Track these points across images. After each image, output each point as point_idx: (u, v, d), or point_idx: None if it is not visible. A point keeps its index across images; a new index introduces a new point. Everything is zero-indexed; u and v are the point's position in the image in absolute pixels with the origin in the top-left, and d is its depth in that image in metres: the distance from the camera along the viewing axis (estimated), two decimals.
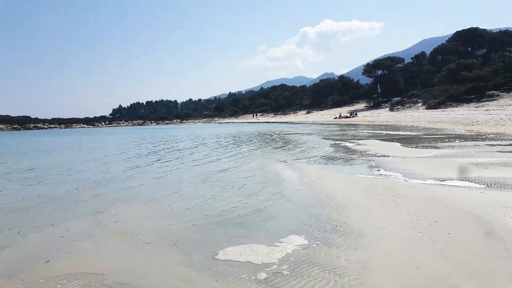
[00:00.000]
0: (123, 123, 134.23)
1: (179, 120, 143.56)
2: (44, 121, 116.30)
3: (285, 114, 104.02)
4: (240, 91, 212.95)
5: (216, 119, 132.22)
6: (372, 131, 25.44)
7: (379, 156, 11.33)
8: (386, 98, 75.42)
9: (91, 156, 16.59)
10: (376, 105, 74.95)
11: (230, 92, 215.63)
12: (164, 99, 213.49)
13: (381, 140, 17.44)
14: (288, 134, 28.33)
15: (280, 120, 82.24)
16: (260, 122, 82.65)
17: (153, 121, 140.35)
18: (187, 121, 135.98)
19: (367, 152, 12.50)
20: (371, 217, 4.93)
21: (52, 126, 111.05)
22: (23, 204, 6.66)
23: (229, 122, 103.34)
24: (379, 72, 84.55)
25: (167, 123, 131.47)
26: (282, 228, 4.69)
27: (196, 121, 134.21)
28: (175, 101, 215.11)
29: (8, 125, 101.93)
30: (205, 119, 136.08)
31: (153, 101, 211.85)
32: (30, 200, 7.00)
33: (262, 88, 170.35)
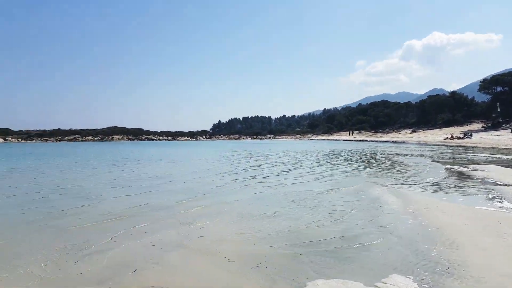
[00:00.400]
0: (221, 137, 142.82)
1: (272, 135, 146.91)
2: (154, 133, 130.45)
3: (386, 132, 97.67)
4: (335, 108, 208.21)
5: (310, 135, 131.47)
6: (492, 155, 21.91)
7: (501, 184, 9.61)
8: (508, 118, 65.19)
9: (193, 168, 17.50)
10: (495, 126, 65.22)
11: (325, 108, 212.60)
12: (259, 115, 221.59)
13: (502, 166, 14.83)
14: (392, 154, 26.11)
15: (380, 139, 77.28)
16: (357, 140, 79.04)
17: (248, 136, 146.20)
18: (280, 137, 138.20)
19: (486, 179, 10.73)
20: (494, 260, 4.01)
21: (160, 138, 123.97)
22: (126, 212, 7.11)
23: (323, 139, 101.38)
24: (499, 88, 73.56)
25: (261, 138, 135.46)
26: (382, 264, 4.04)
27: (289, 137, 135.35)
28: (269, 117, 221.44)
29: (124, 135, 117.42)
30: (298, 136, 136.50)
31: (249, 117, 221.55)
32: (132, 208, 7.46)
33: (360, 104, 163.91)
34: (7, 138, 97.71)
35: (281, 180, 11.80)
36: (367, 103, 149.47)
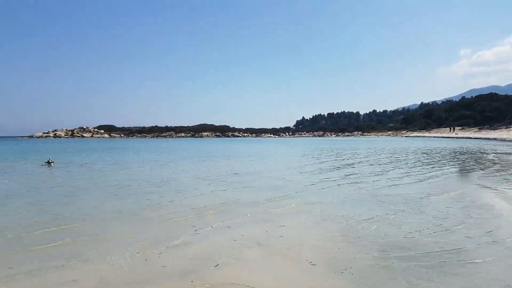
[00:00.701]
0: (304, 134, 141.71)
1: (360, 132, 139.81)
2: (239, 130, 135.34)
3: (494, 129, 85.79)
4: (434, 101, 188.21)
5: (403, 132, 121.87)
6: None
7: None
8: None
9: (280, 165, 17.44)
10: None
11: (422, 102, 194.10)
12: (346, 111, 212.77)
13: None
14: (504, 153, 22.72)
15: (487, 136, 67.91)
16: (459, 138, 70.75)
17: (333, 133, 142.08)
18: (369, 134, 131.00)
19: None
20: None
21: (245, 134, 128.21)
22: (212, 207, 7.25)
23: (419, 136, 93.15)
24: None
25: (347, 135, 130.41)
26: (491, 280, 3.50)
27: (379, 134, 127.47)
28: (357, 112, 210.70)
29: (213, 132, 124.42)
30: (389, 132, 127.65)
31: (335, 112, 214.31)
32: (219, 203, 7.60)
33: (463, 97, 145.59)
34: (111, 134, 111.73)
35: (375, 181, 10.86)
36: (471, 96, 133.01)
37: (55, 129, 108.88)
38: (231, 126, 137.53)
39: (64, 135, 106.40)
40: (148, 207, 7.21)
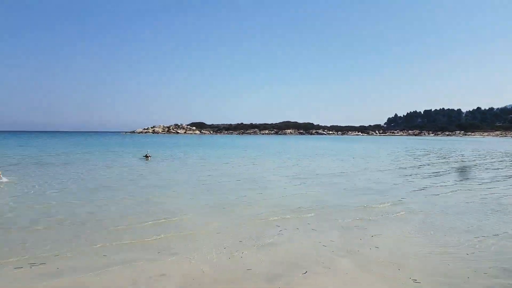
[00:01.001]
0: (397, 133, 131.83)
1: (462, 131, 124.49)
2: (323, 127, 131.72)
3: None
4: None
5: None
6: None
7: None
8: None
9: (376, 165, 16.62)
10: None
11: None
12: (445, 108, 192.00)
13: None
14: None
15: None
16: None
17: (430, 132, 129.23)
18: (473, 134, 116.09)
19: None
20: None
21: (330, 132, 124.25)
22: (298, 207, 6.93)
23: None
24: None
25: (448, 135, 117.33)
26: None
27: (485, 134, 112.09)
28: (459, 110, 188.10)
29: (296, 129, 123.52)
30: (497, 132, 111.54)
31: (432, 110, 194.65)
32: (305, 203, 7.30)
33: None
34: (202, 131, 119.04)
35: (492, 188, 9.28)
36: None
37: (153, 125, 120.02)
38: (315, 124, 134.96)
39: (161, 131, 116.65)
40: (238, 204, 7.23)
